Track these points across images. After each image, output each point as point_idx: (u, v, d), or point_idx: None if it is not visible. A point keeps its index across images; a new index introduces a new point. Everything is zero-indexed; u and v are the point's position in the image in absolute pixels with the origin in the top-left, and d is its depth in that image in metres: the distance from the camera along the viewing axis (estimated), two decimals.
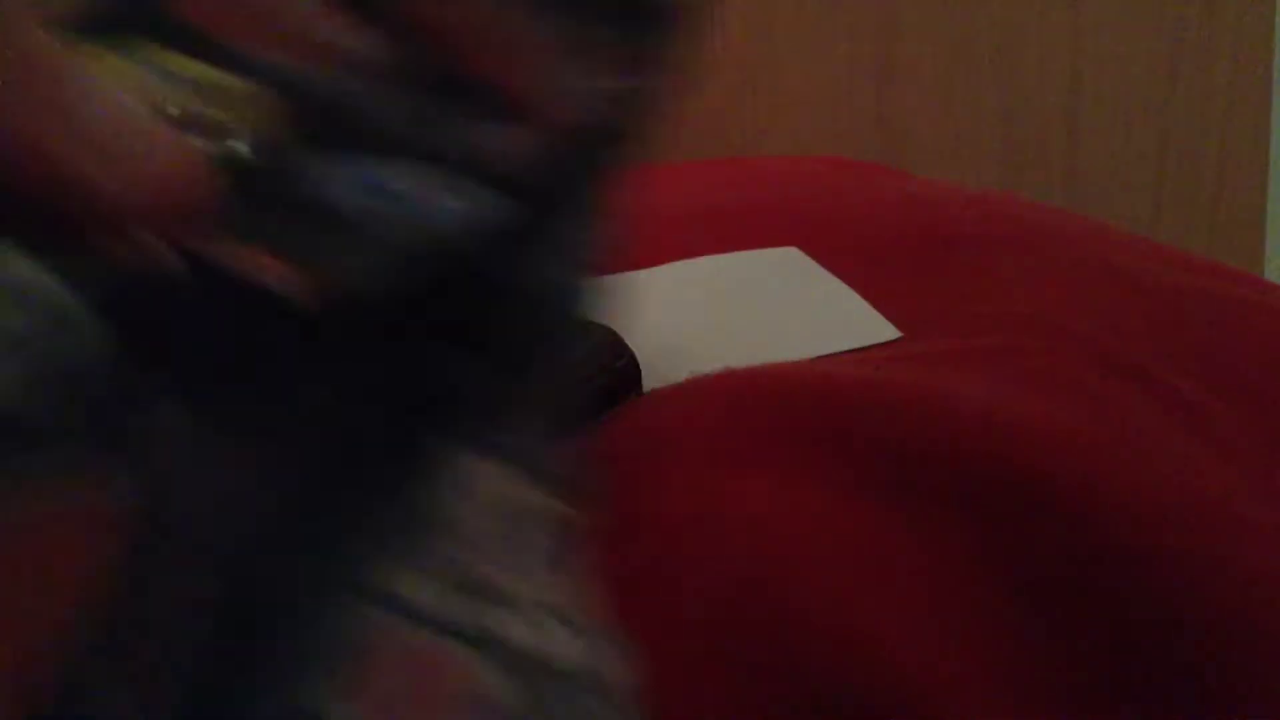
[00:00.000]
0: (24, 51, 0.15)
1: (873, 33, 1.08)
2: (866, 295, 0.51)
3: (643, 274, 0.56)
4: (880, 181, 0.76)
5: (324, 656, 0.17)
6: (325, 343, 0.19)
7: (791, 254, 0.56)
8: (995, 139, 1.11)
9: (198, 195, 0.17)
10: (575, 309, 0.25)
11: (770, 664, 0.30)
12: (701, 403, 0.39)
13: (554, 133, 0.21)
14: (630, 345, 0.43)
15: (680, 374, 0.43)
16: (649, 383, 0.43)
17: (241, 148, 0.18)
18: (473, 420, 0.21)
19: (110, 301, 0.17)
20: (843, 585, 0.32)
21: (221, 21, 0.18)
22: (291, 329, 0.18)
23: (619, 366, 0.42)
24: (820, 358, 0.45)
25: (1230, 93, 1.13)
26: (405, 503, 0.19)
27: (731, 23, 1.04)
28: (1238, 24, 1.12)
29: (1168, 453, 0.39)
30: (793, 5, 1.06)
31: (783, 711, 0.30)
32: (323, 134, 0.18)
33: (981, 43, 1.09)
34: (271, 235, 0.18)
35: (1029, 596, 0.33)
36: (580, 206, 0.23)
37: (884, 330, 0.47)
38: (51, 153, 0.15)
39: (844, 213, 0.63)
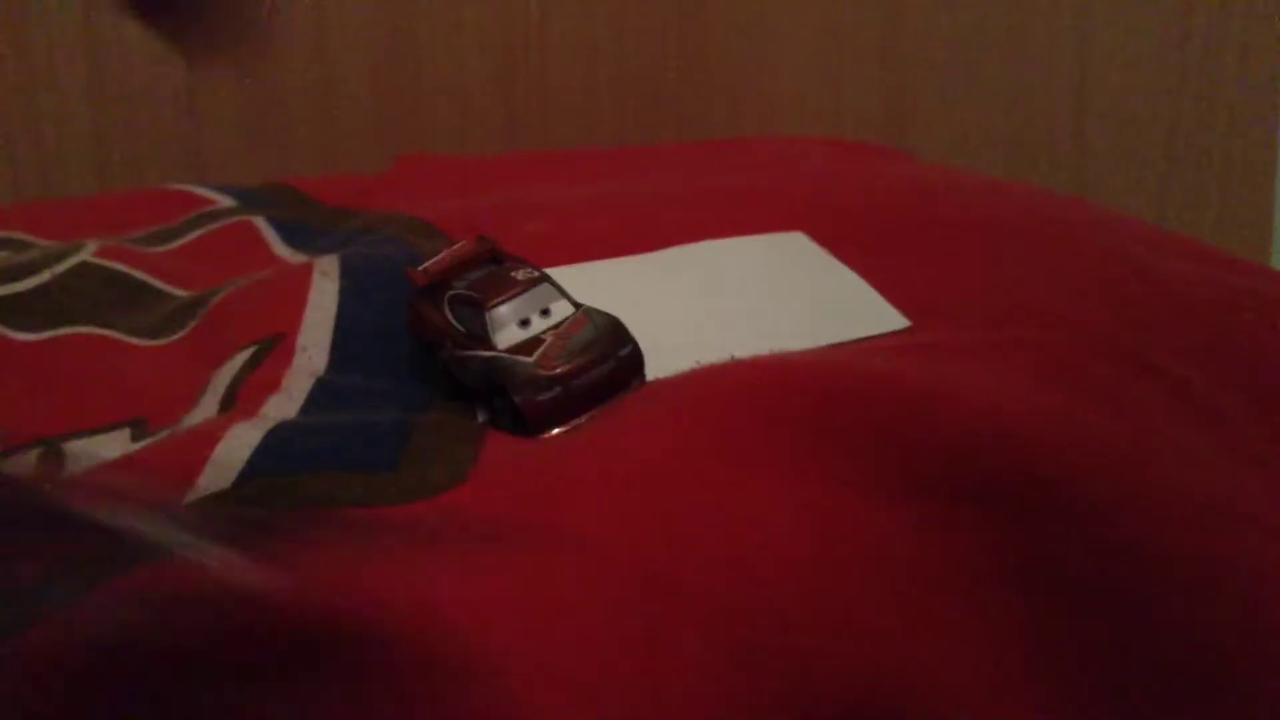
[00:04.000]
0: None
1: (880, 18, 1.07)
2: (873, 281, 0.50)
3: (646, 258, 0.55)
4: (887, 165, 0.75)
5: None
6: None
7: (797, 239, 0.55)
8: (1002, 125, 1.10)
9: None
10: None
11: (776, 660, 0.30)
12: (706, 394, 0.39)
13: None
14: (633, 332, 0.43)
15: (684, 362, 0.42)
16: (653, 371, 0.43)
17: None
18: None
19: None
20: (849, 580, 0.32)
21: None
22: None
23: (623, 355, 0.42)
24: (828, 347, 0.44)
25: (1239, 80, 1.12)
26: None
27: (737, 5, 1.03)
28: (1247, 11, 1.11)
29: (1178, 448, 0.38)
30: None
31: (788, 707, 0.29)
32: None
33: (989, 28, 1.08)
34: None
35: (1038, 592, 0.32)
36: None
37: (892, 319, 0.46)
38: None
39: (851, 197, 0.62)
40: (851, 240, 0.54)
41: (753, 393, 0.38)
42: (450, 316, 0.43)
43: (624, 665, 0.29)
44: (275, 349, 0.49)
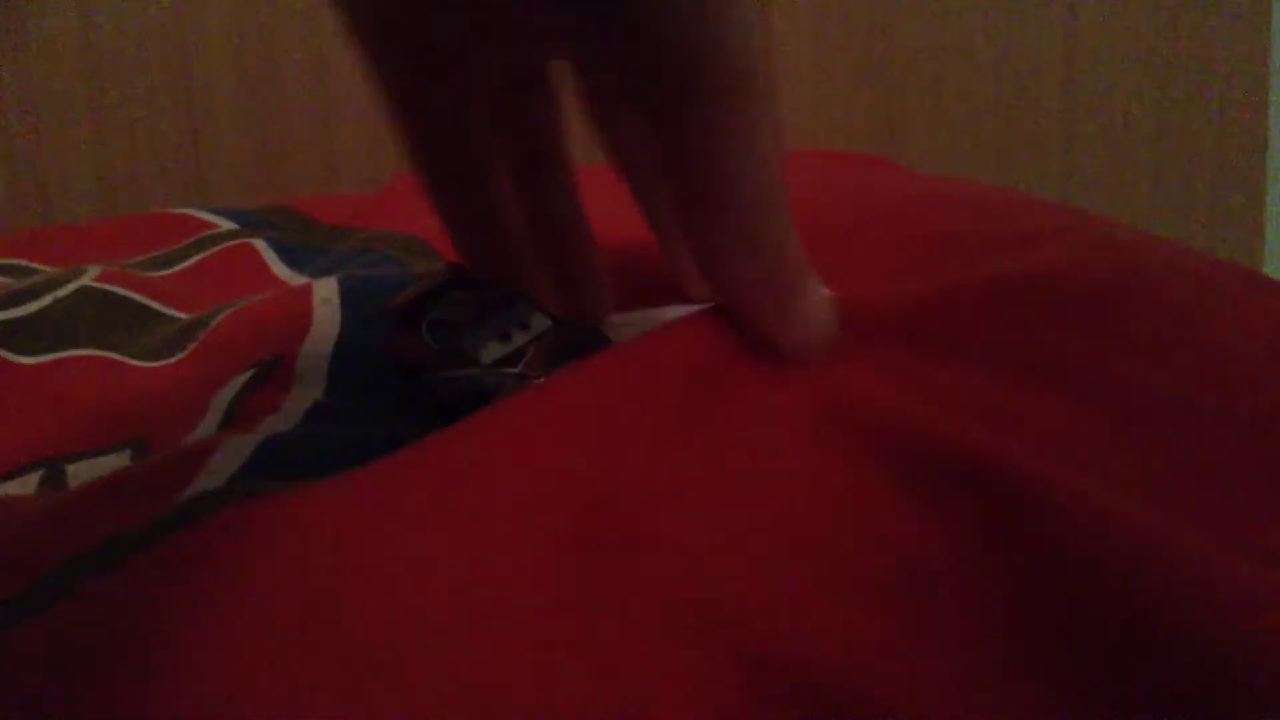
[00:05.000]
0: None
1: (868, 28, 1.07)
2: (866, 291, 0.50)
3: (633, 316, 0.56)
4: (879, 176, 0.76)
5: None
6: None
7: None
8: (991, 132, 1.11)
9: None
10: None
11: (763, 667, 0.30)
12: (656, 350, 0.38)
13: None
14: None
15: None
16: None
17: None
18: None
19: None
20: (824, 588, 0.32)
21: None
22: None
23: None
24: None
25: (1227, 84, 1.13)
26: None
27: None
28: (1234, 14, 1.11)
29: (1162, 454, 0.38)
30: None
31: (779, 706, 0.29)
32: None
33: (977, 37, 1.09)
34: None
35: (1032, 596, 0.33)
36: None
37: None
38: None
39: (843, 207, 0.63)
40: (844, 248, 0.54)
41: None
42: (430, 341, 0.43)
43: (604, 628, 0.29)
44: (274, 372, 0.49)
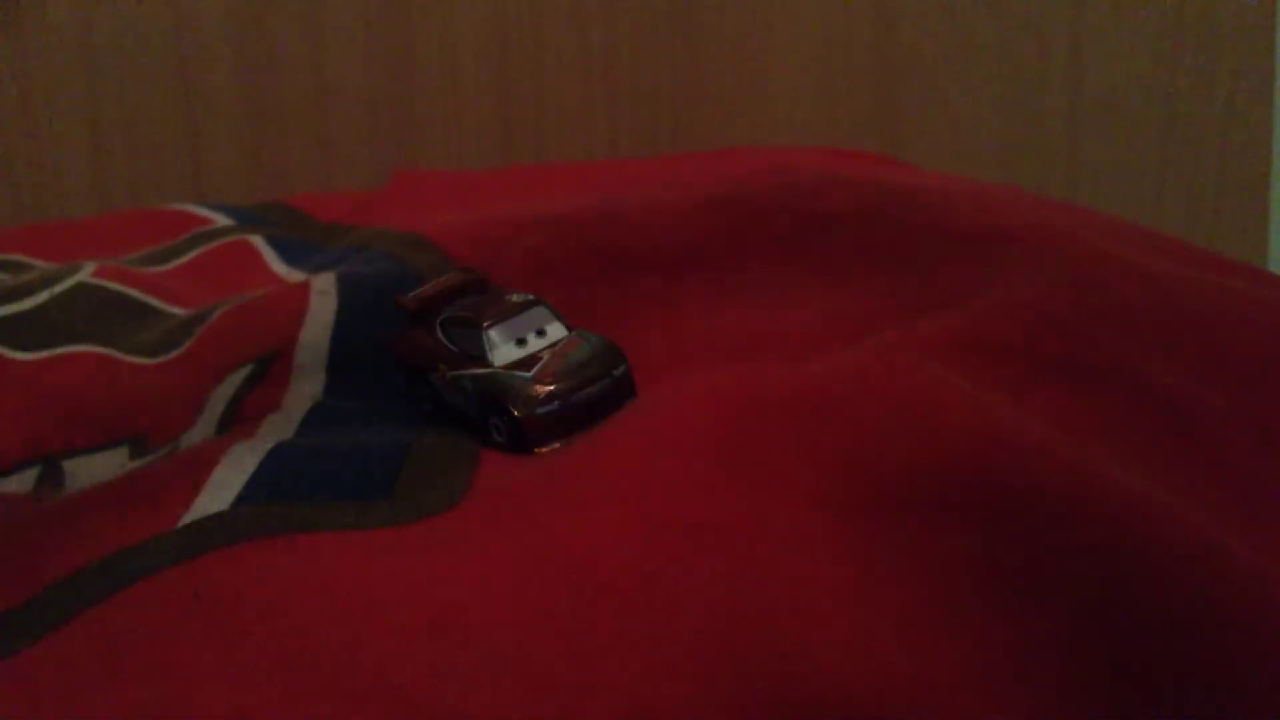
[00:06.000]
0: None
1: (872, 25, 1.07)
2: (867, 290, 0.50)
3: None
4: (883, 174, 0.76)
5: None
6: None
7: None
8: (995, 130, 1.10)
9: None
10: None
11: (766, 671, 0.30)
12: (685, 416, 0.38)
13: None
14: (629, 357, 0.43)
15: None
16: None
17: None
18: None
19: None
20: (823, 592, 0.32)
21: None
22: None
23: (617, 375, 0.42)
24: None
25: (1233, 81, 1.13)
26: None
27: (728, 13, 1.04)
28: (1240, 11, 1.11)
29: (1160, 459, 0.38)
30: None
31: (776, 716, 0.29)
32: None
33: (981, 32, 1.09)
34: None
35: (1022, 599, 0.32)
36: None
37: None
38: None
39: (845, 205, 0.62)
40: (844, 248, 0.54)
41: (724, 419, 0.37)
42: (444, 339, 0.43)
43: (612, 671, 0.29)
44: (272, 368, 0.49)
